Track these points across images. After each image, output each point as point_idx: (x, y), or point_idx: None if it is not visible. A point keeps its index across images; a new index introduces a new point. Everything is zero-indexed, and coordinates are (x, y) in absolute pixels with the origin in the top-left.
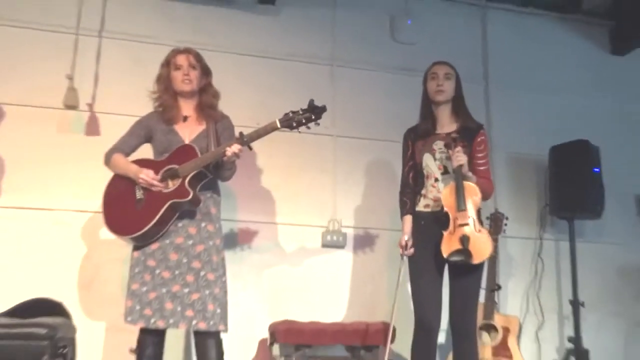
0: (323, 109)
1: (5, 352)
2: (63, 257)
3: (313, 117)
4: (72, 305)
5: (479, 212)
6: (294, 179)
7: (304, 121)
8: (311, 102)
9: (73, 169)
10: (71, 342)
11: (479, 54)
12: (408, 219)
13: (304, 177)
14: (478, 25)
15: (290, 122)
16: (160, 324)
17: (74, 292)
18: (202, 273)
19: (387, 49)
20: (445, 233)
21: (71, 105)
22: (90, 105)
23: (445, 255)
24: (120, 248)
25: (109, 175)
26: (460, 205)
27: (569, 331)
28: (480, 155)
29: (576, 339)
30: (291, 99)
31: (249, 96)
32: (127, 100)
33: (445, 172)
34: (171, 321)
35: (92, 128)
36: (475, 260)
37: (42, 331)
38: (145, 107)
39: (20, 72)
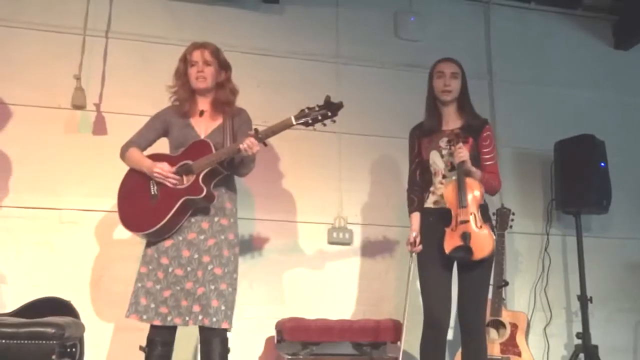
0: (339, 105)
1: (14, 352)
2: (70, 256)
3: (329, 114)
4: (79, 304)
5: (482, 208)
6: (299, 177)
7: (319, 118)
8: (327, 98)
9: (80, 168)
10: (79, 341)
11: (482, 50)
12: (416, 216)
13: (309, 174)
14: (481, 21)
15: (306, 118)
16: (178, 321)
17: (81, 291)
18: (209, 267)
19: (391, 46)
20: (447, 229)
21: (78, 105)
22: (98, 105)
23: (447, 251)
24: (128, 247)
25: (116, 174)
26: (462, 202)
27: (577, 327)
28: (486, 150)
29: (585, 335)
30: (296, 97)
31: (254, 94)
32: (134, 100)
33: (452, 168)
34: (187, 318)
35: (100, 128)
36: (476, 257)
37: (51, 330)
38: (152, 106)
39: (27, 72)
